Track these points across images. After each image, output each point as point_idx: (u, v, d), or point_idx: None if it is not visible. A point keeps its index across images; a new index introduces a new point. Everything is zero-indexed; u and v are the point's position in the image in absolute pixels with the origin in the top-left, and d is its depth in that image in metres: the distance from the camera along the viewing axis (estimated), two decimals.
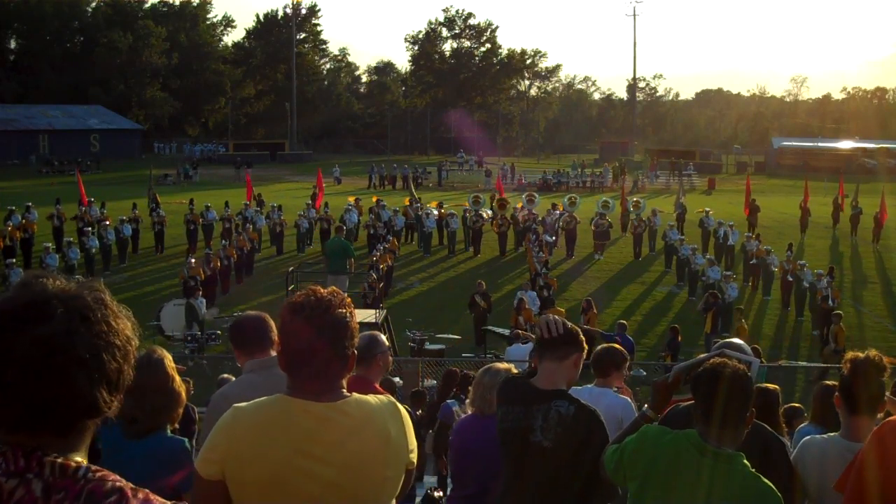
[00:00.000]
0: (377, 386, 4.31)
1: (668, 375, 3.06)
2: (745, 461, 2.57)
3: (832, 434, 3.40)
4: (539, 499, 3.06)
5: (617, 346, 5.21)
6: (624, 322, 15.62)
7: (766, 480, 2.56)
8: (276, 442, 2.05)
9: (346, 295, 2.21)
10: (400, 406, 2.23)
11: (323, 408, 2.09)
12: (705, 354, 3.16)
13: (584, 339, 3.28)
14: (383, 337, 4.40)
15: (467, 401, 4.61)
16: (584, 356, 3.29)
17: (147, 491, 1.36)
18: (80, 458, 1.38)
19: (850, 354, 3.28)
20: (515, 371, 4.46)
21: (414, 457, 2.23)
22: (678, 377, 3.07)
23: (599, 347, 5.21)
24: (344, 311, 2.15)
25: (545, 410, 3.05)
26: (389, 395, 2.25)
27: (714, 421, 2.58)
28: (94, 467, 1.36)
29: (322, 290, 2.17)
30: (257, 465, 2.05)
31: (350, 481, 2.06)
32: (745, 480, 2.54)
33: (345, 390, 2.16)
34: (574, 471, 2.99)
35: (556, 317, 3.35)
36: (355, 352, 2.18)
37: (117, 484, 1.32)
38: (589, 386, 5.06)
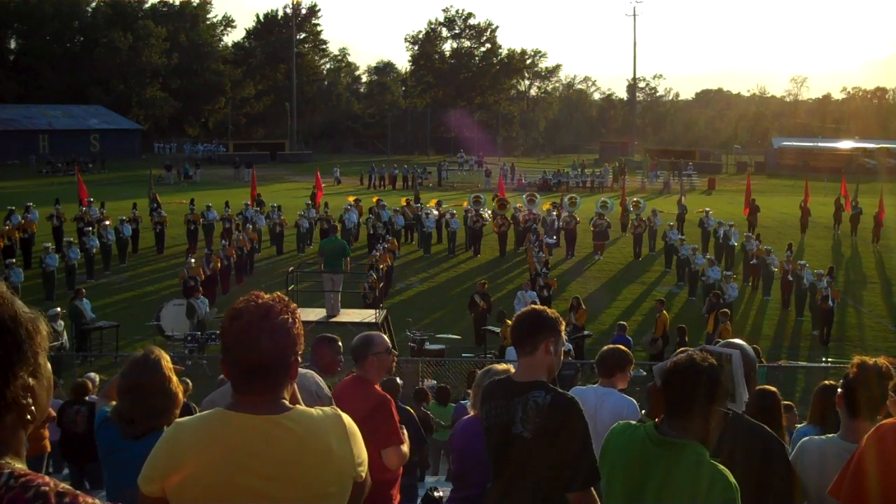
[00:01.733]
0: (377, 387, 4.30)
1: (656, 379, 3.05)
2: (701, 450, 2.58)
3: (831, 435, 3.40)
4: (524, 489, 3.08)
5: (622, 347, 5.24)
6: (623, 323, 15.61)
7: (721, 467, 2.57)
8: (214, 459, 2.00)
9: (289, 300, 2.13)
10: (345, 419, 2.12)
11: (261, 421, 2.02)
12: (686, 352, 3.15)
13: (553, 319, 3.18)
14: (384, 338, 4.37)
15: (468, 403, 4.62)
16: (561, 338, 3.20)
17: (76, 493, 1.30)
18: (8, 460, 1.33)
19: (857, 359, 3.27)
20: (503, 367, 4.48)
21: (363, 470, 2.13)
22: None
23: (605, 348, 5.23)
24: (286, 317, 2.06)
25: (524, 402, 3.06)
26: (335, 408, 2.15)
27: (668, 411, 2.65)
28: (18, 471, 1.30)
29: (265, 295, 2.09)
30: (196, 482, 2.00)
31: (290, 496, 1.99)
32: (695, 467, 2.55)
33: (287, 401, 2.09)
34: (554, 458, 3.00)
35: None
36: (298, 359, 2.10)
37: (42, 489, 1.27)
38: (594, 386, 5.07)
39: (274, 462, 1.99)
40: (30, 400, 1.39)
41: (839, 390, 3.32)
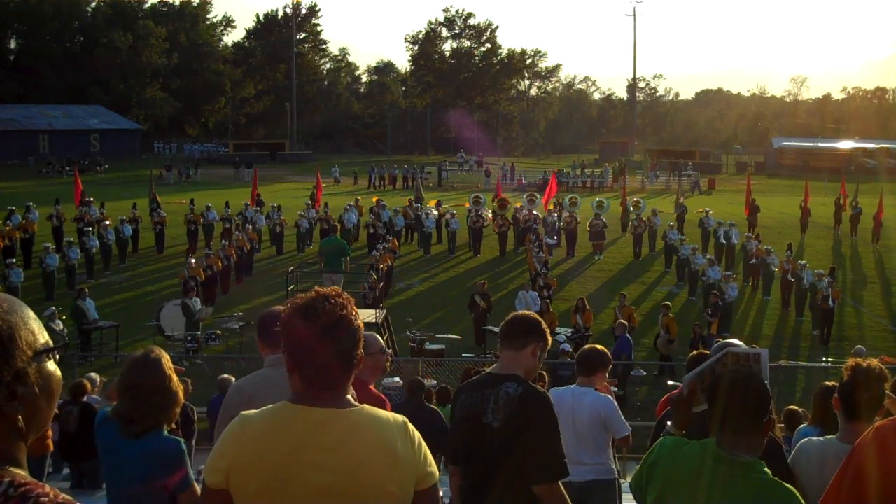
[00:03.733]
0: (371, 388, 4.30)
1: (682, 389, 3.04)
2: (766, 469, 2.51)
3: (829, 437, 3.40)
4: (493, 480, 3.13)
5: (601, 347, 5.31)
6: (624, 322, 15.51)
7: (787, 486, 2.51)
8: (279, 451, 2.04)
9: (347, 294, 2.18)
10: (411, 426, 2.16)
11: (327, 413, 2.07)
12: (712, 359, 3.12)
13: (545, 329, 3.32)
14: (377, 338, 4.36)
15: None
16: (547, 347, 3.33)
17: None
18: (9, 468, 1.32)
19: (851, 361, 3.28)
20: None
21: (430, 479, 2.14)
22: (693, 388, 3.03)
23: (585, 347, 5.29)
24: (353, 311, 2.11)
25: (496, 393, 3.15)
26: (405, 417, 2.19)
27: (728, 428, 2.54)
28: (18, 480, 1.28)
29: (326, 291, 2.13)
30: (261, 474, 2.03)
31: (350, 488, 2.02)
32: (763, 488, 2.48)
33: (352, 398, 2.13)
34: (521, 449, 3.05)
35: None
36: (362, 352, 2.15)
37: (41, 499, 1.25)
38: (571, 386, 5.13)
39: (335, 452, 2.02)
40: (16, 408, 1.35)
41: (835, 394, 3.33)
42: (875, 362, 3.25)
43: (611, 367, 5.31)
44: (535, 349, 3.26)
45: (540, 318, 3.38)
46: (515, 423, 3.06)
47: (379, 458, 2.04)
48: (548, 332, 3.34)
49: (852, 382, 3.19)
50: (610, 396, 5.23)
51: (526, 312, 3.44)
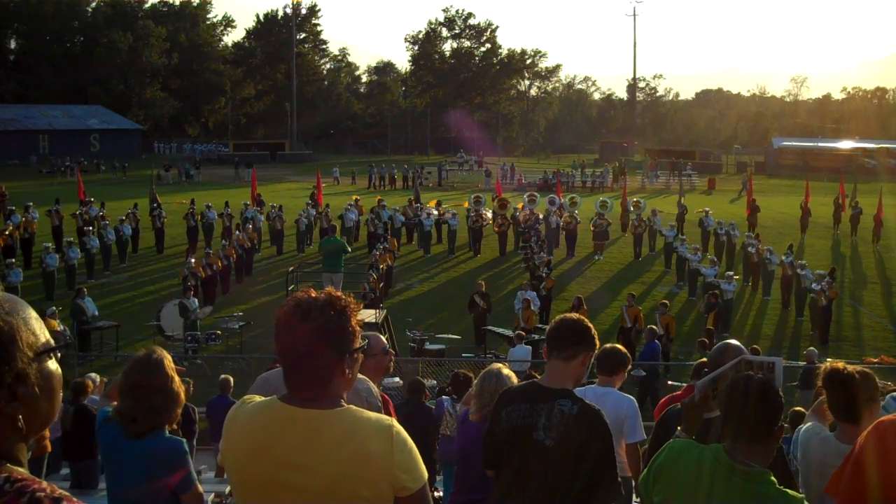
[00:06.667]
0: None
1: (695, 394, 3.02)
2: (772, 478, 2.50)
3: (828, 434, 3.41)
4: (540, 498, 3.04)
5: (622, 347, 5.26)
6: (653, 327, 15.13)
7: (794, 494, 2.51)
8: (260, 449, 2.05)
9: (346, 296, 2.15)
10: (397, 429, 2.08)
11: (311, 415, 2.05)
12: (726, 365, 3.10)
13: (594, 335, 3.21)
14: (380, 338, 4.34)
15: (471, 409, 4.59)
16: (595, 352, 3.23)
17: (74, 500, 1.29)
18: (7, 465, 1.32)
19: (823, 366, 3.32)
20: (506, 371, 4.48)
21: (412, 485, 2.06)
22: (705, 394, 3.01)
23: (607, 346, 5.23)
24: (331, 315, 2.06)
25: (549, 409, 3.03)
26: (392, 419, 2.14)
27: (741, 436, 2.52)
28: (15, 476, 1.28)
29: (320, 292, 2.12)
30: (243, 469, 2.09)
31: (327, 492, 2.01)
32: (771, 499, 2.47)
33: (342, 398, 2.10)
34: (576, 470, 2.97)
35: (573, 317, 3.30)
36: (351, 357, 2.12)
37: (37, 494, 1.25)
38: (592, 385, 5.07)
39: (315, 456, 2.02)
40: (17, 408, 1.35)
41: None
42: (840, 364, 3.31)
43: (630, 367, 5.27)
44: (585, 359, 3.15)
45: (588, 324, 3.25)
46: (572, 443, 2.96)
47: (349, 460, 2.02)
48: (596, 337, 3.21)
49: (826, 389, 3.27)
50: (632, 397, 5.19)
51: (575, 317, 3.27)
